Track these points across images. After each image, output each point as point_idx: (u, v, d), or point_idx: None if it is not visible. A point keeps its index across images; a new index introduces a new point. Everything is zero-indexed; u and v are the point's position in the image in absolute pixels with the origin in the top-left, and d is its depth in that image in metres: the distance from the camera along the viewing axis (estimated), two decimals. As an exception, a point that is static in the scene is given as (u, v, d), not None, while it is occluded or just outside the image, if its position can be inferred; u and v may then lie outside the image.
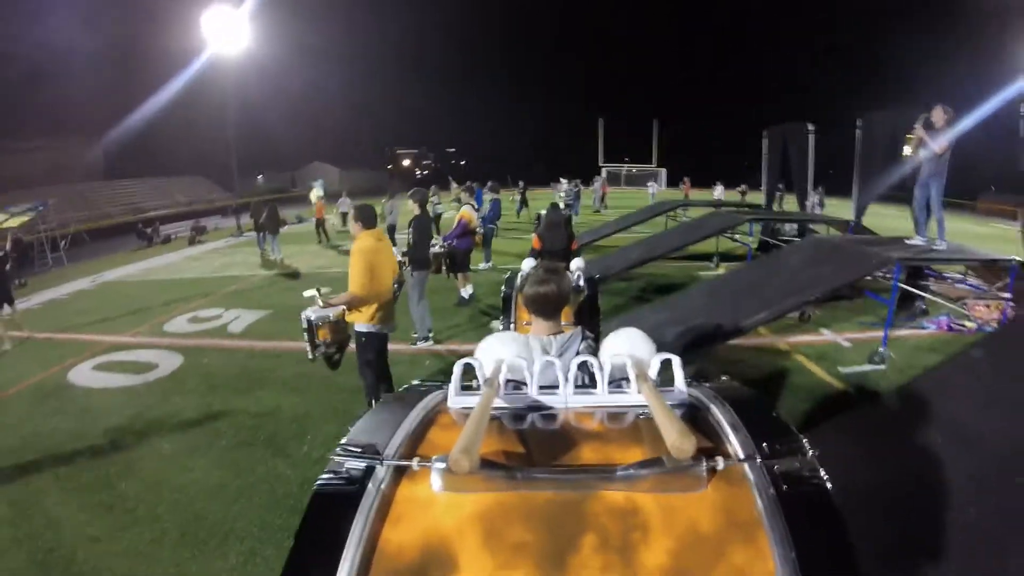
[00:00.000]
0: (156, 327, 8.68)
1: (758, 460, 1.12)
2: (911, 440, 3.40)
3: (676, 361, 1.51)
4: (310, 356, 4.21)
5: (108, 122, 35.78)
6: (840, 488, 1.09)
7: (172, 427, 5.23)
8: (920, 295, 7.16)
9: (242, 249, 16.08)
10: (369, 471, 1.15)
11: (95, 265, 16.27)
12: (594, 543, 1.01)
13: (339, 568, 0.97)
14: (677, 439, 1.07)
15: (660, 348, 1.62)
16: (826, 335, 7.13)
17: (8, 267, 8.33)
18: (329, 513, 1.08)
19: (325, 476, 1.17)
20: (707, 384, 1.56)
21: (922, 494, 2.91)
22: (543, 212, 7.33)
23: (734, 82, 71.77)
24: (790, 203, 18.61)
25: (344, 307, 4.34)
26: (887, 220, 10.36)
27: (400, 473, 1.17)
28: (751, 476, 1.10)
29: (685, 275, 11.15)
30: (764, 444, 1.16)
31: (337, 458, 1.21)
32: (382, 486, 1.12)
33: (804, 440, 1.18)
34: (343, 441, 1.26)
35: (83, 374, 6.81)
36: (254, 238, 16.59)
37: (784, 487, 1.05)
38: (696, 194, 29.17)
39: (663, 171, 40.36)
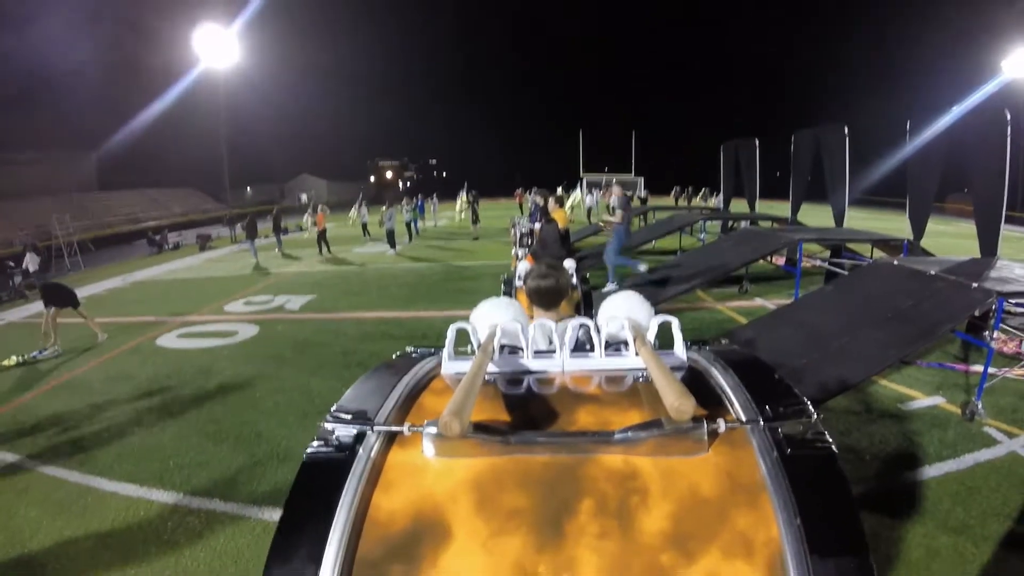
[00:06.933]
0: (216, 309, 10.22)
1: (761, 423, 1.10)
2: (785, 326, 5.53)
3: (675, 323, 1.48)
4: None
5: (102, 134, 36.74)
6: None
7: (280, 363, 6.93)
8: (837, 271, 9.24)
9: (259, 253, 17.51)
10: (360, 437, 1.14)
11: (116, 268, 17.53)
12: (591, 508, 0.99)
13: (329, 535, 0.97)
14: (676, 400, 1.05)
15: None
16: (757, 301, 9.16)
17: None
18: (319, 480, 1.07)
19: (315, 444, 1.15)
20: (707, 347, 1.55)
21: (792, 353, 4.96)
22: (536, 227, 7.60)
23: (706, 95, 75.53)
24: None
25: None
26: (821, 217, 12.27)
27: (391, 439, 1.16)
28: (754, 439, 1.08)
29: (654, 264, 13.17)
30: (767, 407, 1.14)
31: (327, 425, 1.19)
32: (372, 452, 1.11)
33: (807, 402, 1.15)
34: (333, 408, 1.25)
35: (171, 341, 8.32)
36: (265, 243, 18.29)
37: (788, 450, 1.03)
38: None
39: (641, 179, 42.23)
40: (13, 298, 13.27)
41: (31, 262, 15.30)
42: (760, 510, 0.97)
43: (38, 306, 10.73)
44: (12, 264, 16.09)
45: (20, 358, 7.77)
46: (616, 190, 8.84)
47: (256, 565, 3.51)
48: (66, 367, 7.41)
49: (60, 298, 8.30)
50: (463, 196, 23.25)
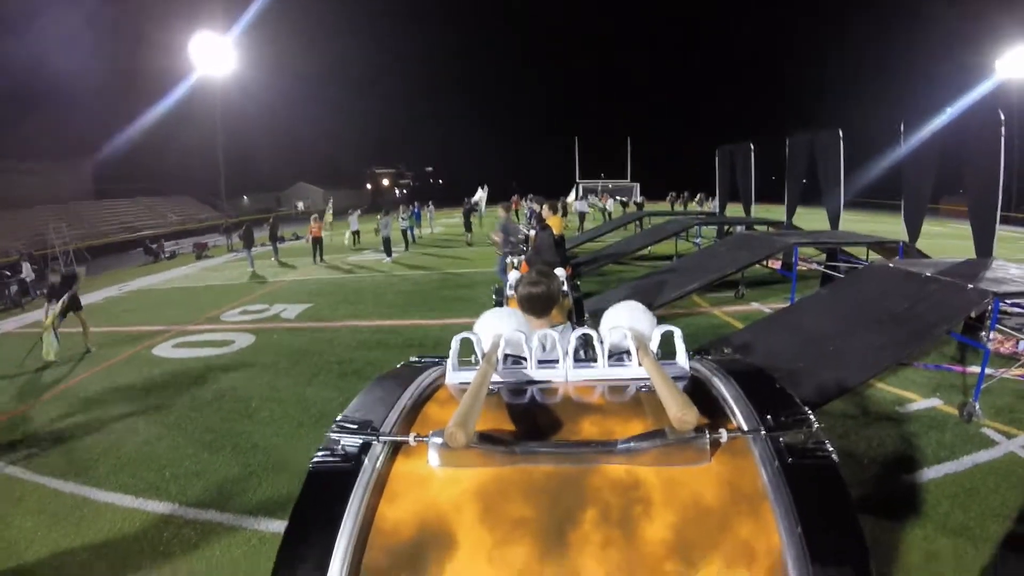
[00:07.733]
0: (212, 319, 10.15)
1: (762, 432, 1.10)
2: (782, 330, 5.55)
3: (678, 333, 1.50)
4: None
5: (98, 143, 36.65)
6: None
7: (276, 373, 6.90)
8: (833, 274, 9.25)
9: (255, 261, 17.31)
10: (365, 447, 1.14)
11: (112, 277, 17.40)
12: (595, 517, 1.00)
13: (335, 545, 0.97)
14: (679, 410, 1.06)
15: None
16: (754, 306, 9.18)
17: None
18: (325, 490, 1.08)
19: (321, 453, 1.16)
20: (709, 357, 1.57)
21: (789, 357, 4.97)
22: (532, 233, 7.62)
23: (701, 99, 76.11)
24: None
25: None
26: (816, 221, 12.26)
27: (396, 449, 1.17)
28: (755, 449, 1.08)
29: (650, 269, 13.17)
30: (768, 416, 1.14)
31: (333, 435, 1.19)
32: (378, 462, 1.11)
33: (809, 412, 1.16)
34: (339, 418, 1.25)
35: (167, 350, 8.26)
36: (262, 251, 18.29)
37: (789, 459, 1.04)
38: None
39: (636, 185, 42.34)
40: (9, 307, 13.22)
41: (27, 272, 15.24)
42: (762, 519, 0.98)
43: (35, 315, 10.69)
44: (8, 273, 15.99)
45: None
46: (500, 213, 8.72)
47: (252, 576, 3.50)
48: (61, 376, 7.37)
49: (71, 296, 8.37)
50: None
